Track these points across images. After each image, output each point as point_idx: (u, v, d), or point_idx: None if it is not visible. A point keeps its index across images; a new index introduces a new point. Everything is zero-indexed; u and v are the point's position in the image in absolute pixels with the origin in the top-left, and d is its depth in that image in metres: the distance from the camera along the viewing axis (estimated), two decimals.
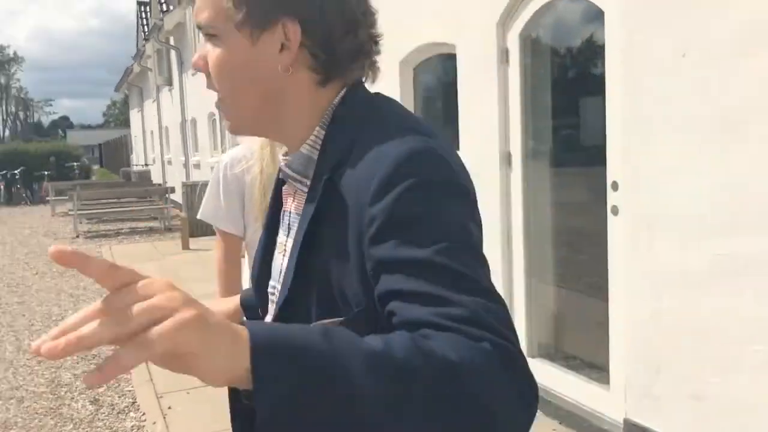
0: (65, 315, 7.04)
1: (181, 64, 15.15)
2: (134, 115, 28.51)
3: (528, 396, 0.70)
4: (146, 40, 19.53)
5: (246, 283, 2.39)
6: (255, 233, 2.19)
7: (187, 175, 14.90)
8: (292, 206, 0.97)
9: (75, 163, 24.70)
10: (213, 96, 0.94)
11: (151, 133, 22.78)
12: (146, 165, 24.04)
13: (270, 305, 1.00)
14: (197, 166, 14.54)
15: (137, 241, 12.04)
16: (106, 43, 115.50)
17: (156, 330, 0.57)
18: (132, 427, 4.19)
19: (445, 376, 0.65)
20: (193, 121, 14.73)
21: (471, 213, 0.80)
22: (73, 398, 4.72)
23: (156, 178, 20.51)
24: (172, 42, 15.69)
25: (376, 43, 0.92)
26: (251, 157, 2.17)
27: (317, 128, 0.90)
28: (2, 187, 21.53)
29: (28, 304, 7.60)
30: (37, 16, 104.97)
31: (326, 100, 0.91)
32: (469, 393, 0.65)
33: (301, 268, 0.86)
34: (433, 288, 0.71)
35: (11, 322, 6.86)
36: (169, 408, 4.37)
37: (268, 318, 0.99)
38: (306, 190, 0.90)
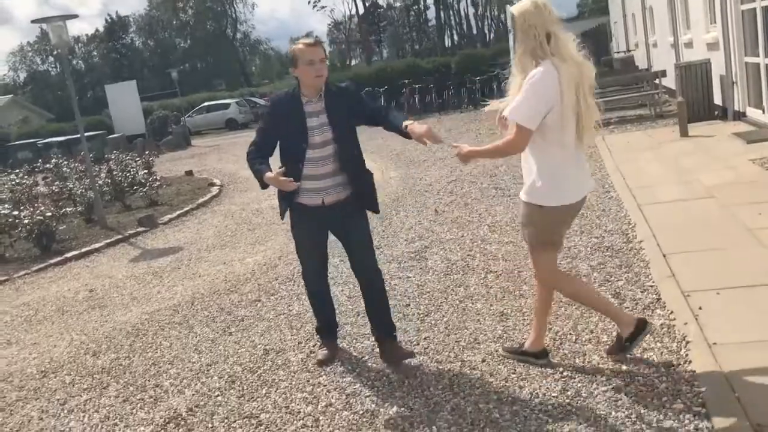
0: None
1: None
2: (613, 0, 27.59)
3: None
4: None
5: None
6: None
7: (678, 56, 13.76)
8: (312, 108, 3.89)
9: None
10: None
11: (633, 16, 21.73)
12: (628, 51, 23.19)
13: (313, 134, 3.89)
14: (689, 45, 13.28)
15: (629, 130, 11.66)
16: None
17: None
18: (661, 325, 3.96)
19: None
20: None
21: None
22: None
23: (640, 63, 19.62)
24: None
25: None
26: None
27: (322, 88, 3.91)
28: (495, 86, 23.29)
29: None
30: None
31: None
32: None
33: (337, 111, 3.90)
34: (376, 105, 4.46)
35: None
36: (700, 308, 4.01)
37: (322, 137, 3.89)
38: (319, 104, 3.90)
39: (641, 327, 3.51)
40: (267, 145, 4.02)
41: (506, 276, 5.30)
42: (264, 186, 3.90)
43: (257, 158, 3.94)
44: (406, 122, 3.80)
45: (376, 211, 4.24)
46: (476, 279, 5.35)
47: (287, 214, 4.13)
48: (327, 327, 4.43)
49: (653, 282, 4.63)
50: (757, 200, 6.01)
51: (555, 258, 3.60)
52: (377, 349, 4.26)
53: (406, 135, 3.80)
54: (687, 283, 4.40)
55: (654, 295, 4.43)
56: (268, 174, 3.79)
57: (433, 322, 4.63)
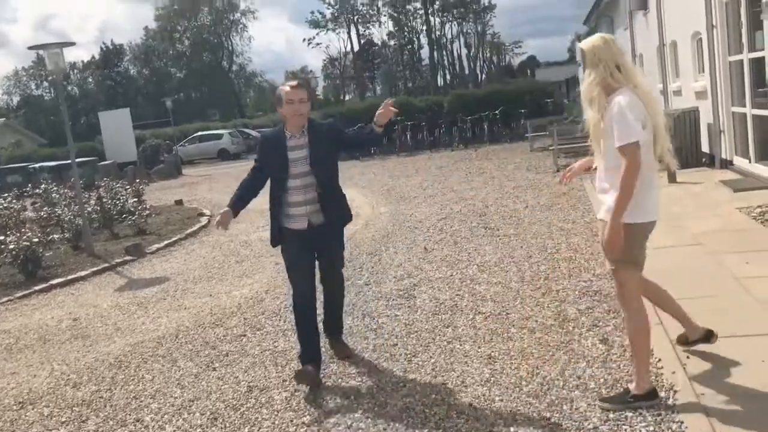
0: (559, 248, 7.19)
1: None
2: None
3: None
4: None
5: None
6: None
7: (667, 103, 13.98)
8: (295, 143, 4.47)
9: (548, 100, 25.53)
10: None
11: None
12: None
13: (294, 165, 4.44)
14: (678, 92, 13.50)
15: None
16: None
17: None
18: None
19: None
20: (673, 44, 13.63)
21: None
22: (581, 335, 4.70)
23: None
24: None
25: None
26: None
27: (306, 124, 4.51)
28: (486, 126, 23.52)
29: (523, 236, 8.00)
30: None
31: None
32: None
33: (319, 144, 4.48)
34: (352, 133, 4.96)
35: (511, 253, 7.27)
36: (688, 358, 4.01)
37: (303, 168, 4.44)
38: (302, 138, 4.48)
39: (651, 395, 3.60)
40: (260, 175, 4.69)
41: (494, 318, 5.28)
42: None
43: (243, 187, 4.69)
44: (375, 120, 4.38)
45: (342, 234, 4.81)
46: (464, 320, 5.33)
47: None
48: (311, 355, 4.53)
49: None
50: (745, 249, 6.06)
51: (639, 279, 3.70)
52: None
53: (378, 131, 4.43)
54: (675, 331, 4.38)
55: None
56: (225, 208, 4.59)
57: (420, 363, 4.60)
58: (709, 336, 4.03)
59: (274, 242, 4.67)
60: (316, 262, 4.67)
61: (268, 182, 4.65)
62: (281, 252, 4.67)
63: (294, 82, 4.55)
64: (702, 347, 4.09)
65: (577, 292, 5.62)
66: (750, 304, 4.77)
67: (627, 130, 3.36)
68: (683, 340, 4.13)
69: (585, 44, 3.57)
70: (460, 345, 4.81)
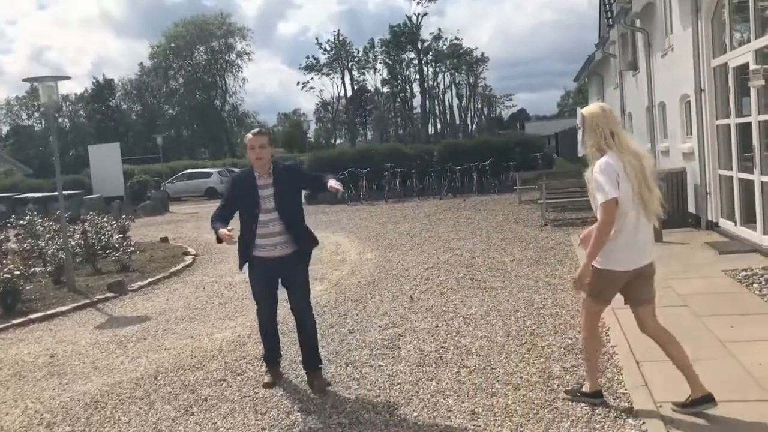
0: (545, 303, 7.17)
1: (648, 46, 14.42)
2: (592, 102, 28.49)
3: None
4: (610, 26, 19.21)
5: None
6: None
7: (655, 162, 14.17)
8: (263, 182, 5.10)
9: (538, 153, 25.80)
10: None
11: None
12: None
13: (264, 202, 5.07)
14: (665, 152, 13.70)
15: None
16: (560, 36, 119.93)
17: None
18: None
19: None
20: (662, 105, 13.88)
21: None
22: None
23: None
24: (638, 24, 15.05)
25: None
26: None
27: (271, 166, 5.17)
28: (475, 176, 23.70)
29: (510, 290, 7.98)
30: (497, 17, 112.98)
31: None
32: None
33: (282, 184, 5.12)
34: (314, 174, 5.57)
35: (497, 306, 7.24)
36: (672, 421, 3.96)
37: (270, 204, 5.08)
38: (269, 179, 5.11)
39: (596, 395, 4.39)
40: (228, 211, 5.25)
41: (479, 372, 5.23)
42: (219, 240, 4.98)
43: (217, 219, 5.13)
44: (329, 182, 5.00)
45: (305, 265, 5.33)
46: (449, 373, 5.27)
47: (245, 266, 5.32)
48: (271, 355, 5.51)
49: (626, 389, 4.59)
50: (730, 312, 6.07)
51: (599, 311, 4.34)
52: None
53: (327, 188, 5.03)
54: (660, 394, 4.36)
55: (626, 403, 4.37)
56: (221, 230, 4.93)
57: (402, 416, 4.52)
58: (709, 399, 4.03)
59: (241, 267, 5.34)
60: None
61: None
62: (248, 278, 5.35)
63: (256, 130, 5.28)
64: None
65: (562, 349, 5.59)
66: (735, 369, 4.75)
67: (600, 192, 3.85)
68: (680, 404, 4.11)
69: (586, 111, 4.08)
70: (444, 399, 4.75)
